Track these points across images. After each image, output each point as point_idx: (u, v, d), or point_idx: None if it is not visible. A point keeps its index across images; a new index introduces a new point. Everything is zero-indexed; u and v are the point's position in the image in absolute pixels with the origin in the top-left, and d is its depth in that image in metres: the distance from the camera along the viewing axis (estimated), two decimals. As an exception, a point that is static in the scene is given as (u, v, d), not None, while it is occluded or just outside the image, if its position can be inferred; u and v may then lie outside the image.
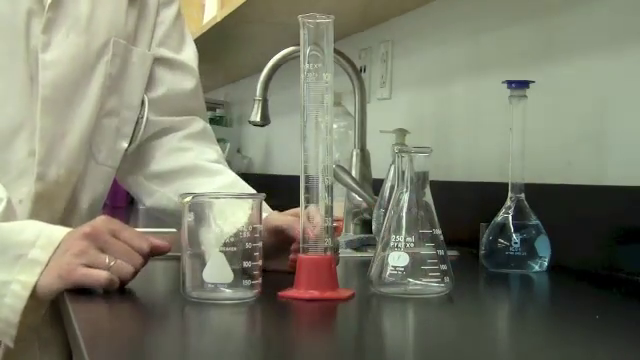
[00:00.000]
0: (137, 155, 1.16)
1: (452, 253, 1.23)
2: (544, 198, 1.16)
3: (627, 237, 1.06)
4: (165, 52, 1.15)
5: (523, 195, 1.12)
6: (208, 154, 1.17)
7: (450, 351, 0.68)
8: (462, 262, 1.20)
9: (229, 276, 0.79)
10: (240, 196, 0.85)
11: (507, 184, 1.13)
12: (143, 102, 1.13)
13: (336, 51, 1.20)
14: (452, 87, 1.56)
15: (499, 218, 1.12)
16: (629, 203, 1.07)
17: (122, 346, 0.67)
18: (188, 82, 1.18)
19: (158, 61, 1.15)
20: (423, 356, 0.67)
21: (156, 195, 1.15)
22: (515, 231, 1.10)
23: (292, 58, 1.47)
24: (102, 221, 0.85)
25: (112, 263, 0.82)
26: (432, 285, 0.85)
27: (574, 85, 1.22)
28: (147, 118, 1.13)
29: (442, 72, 1.60)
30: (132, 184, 1.19)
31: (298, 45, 0.84)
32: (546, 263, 1.10)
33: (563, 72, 1.24)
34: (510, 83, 1.13)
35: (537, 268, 1.10)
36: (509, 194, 1.12)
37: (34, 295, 0.83)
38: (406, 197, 0.86)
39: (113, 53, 1.08)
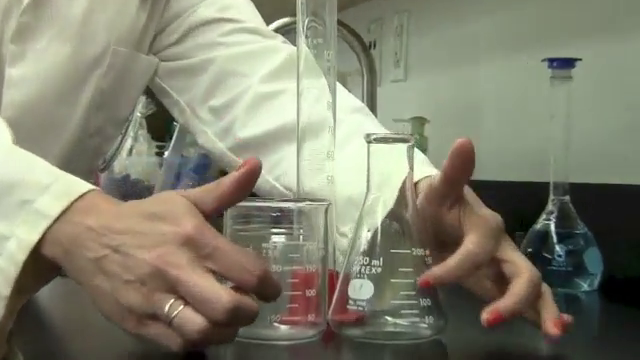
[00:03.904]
0: (217, 116, 1.07)
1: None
2: (594, 201, 1.15)
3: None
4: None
5: (568, 197, 1.11)
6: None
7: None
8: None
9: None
10: (313, 202, 0.77)
11: (548, 184, 1.12)
12: (133, 113, 1.10)
13: (340, 23, 1.18)
14: (480, 67, 1.56)
15: (539, 226, 1.11)
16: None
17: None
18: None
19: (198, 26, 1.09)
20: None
21: None
22: (559, 242, 1.09)
23: (286, 32, 1.45)
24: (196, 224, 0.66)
25: (175, 313, 0.64)
26: (408, 325, 0.74)
27: (629, 64, 1.21)
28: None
29: (468, 49, 1.59)
30: (220, 160, 1.09)
31: (293, 16, 0.83)
32: (597, 281, 1.09)
33: (615, 49, 1.23)
34: (552, 61, 1.11)
35: (586, 287, 1.09)
36: (551, 196, 1.11)
37: (33, 259, 0.70)
38: (380, 204, 0.76)
39: (109, 65, 1.03)
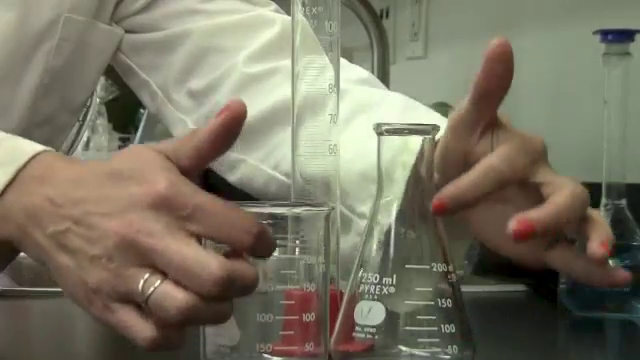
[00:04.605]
0: (198, 101, 1.07)
1: (518, 288, 1.23)
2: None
3: None
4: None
5: (624, 201, 1.11)
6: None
7: None
8: (532, 302, 1.20)
9: (234, 336, 0.72)
10: (310, 209, 0.77)
11: (600, 185, 1.12)
12: (92, 97, 1.10)
13: (345, -13, 1.18)
14: (517, 41, 1.54)
15: (588, 236, 1.11)
16: None
17: None
18: None
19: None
20: None
21: (241, 166, 1.04)
22: (613, 255, 1.08)
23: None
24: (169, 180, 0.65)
25: (151, 289, 0.64)
26: (427, 357, 0.74)
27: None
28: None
29: (502, 18, 1.60)
30: None
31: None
32: (660, 303, 1.09)
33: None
34: (605, 34, 1.12)
35: (647, 311, 1.09)
36: (603, 200, 1.12)
37: None
38: (393, 209, 0.76)
39: (61, 37, 1.03)
